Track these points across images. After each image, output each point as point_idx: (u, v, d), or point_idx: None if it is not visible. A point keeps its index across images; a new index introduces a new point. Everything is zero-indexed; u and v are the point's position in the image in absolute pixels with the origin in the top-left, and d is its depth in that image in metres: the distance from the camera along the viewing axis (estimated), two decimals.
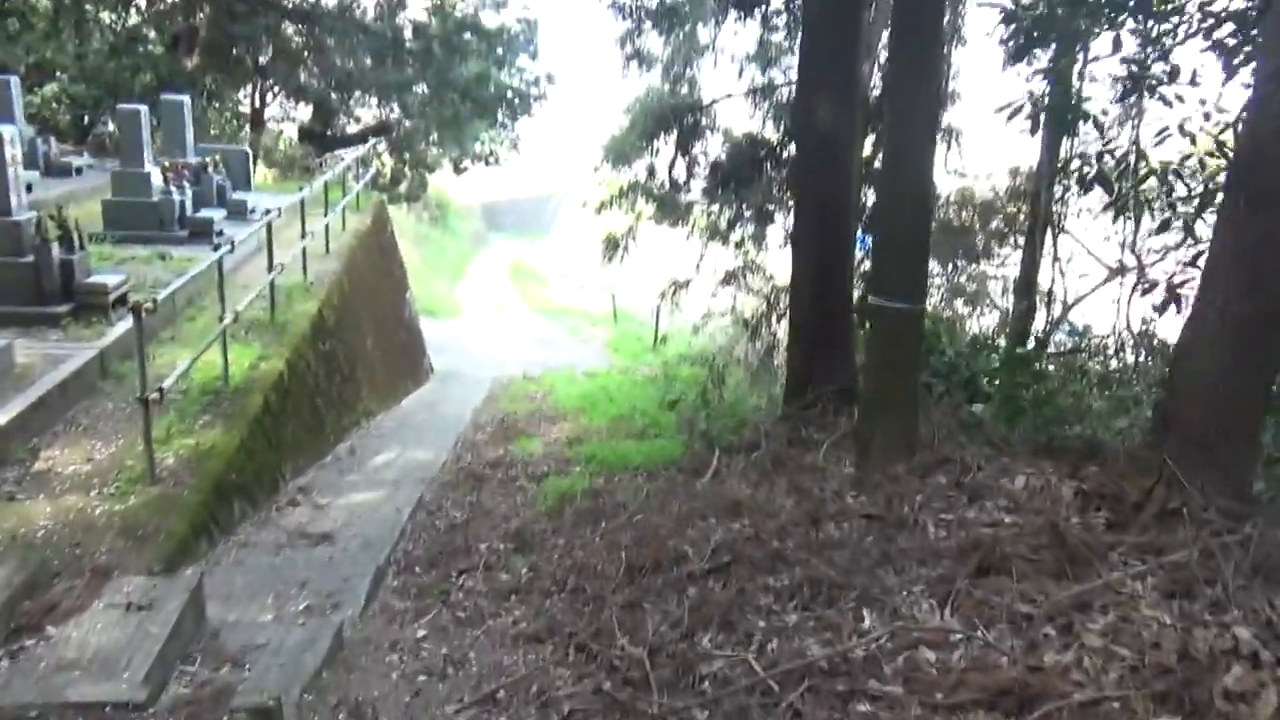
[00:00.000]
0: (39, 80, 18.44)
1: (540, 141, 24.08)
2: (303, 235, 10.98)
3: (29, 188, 12.50)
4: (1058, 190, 12.79)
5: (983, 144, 15.42)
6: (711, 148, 17.43)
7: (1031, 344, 10.91)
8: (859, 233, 10.09)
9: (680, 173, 17.33)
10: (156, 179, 11.79)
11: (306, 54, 21.18)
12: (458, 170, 22.15)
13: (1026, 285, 12.64)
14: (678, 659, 3.70)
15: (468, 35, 20.40)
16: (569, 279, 44.65)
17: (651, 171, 17.24)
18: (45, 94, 18.10)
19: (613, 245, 16.33)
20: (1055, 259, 12.64)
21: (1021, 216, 15.15)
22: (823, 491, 5.80)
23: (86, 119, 19.79)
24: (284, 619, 5.05)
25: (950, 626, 3.47)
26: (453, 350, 21.33)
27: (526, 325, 26.35)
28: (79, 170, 14.96)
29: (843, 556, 4.27)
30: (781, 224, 17.67)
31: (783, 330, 17.51)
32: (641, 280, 34.18)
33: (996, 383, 7.88)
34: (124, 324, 8.39)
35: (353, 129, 20.78)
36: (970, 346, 8.48)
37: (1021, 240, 13.45)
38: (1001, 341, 11.53)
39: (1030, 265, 12.43)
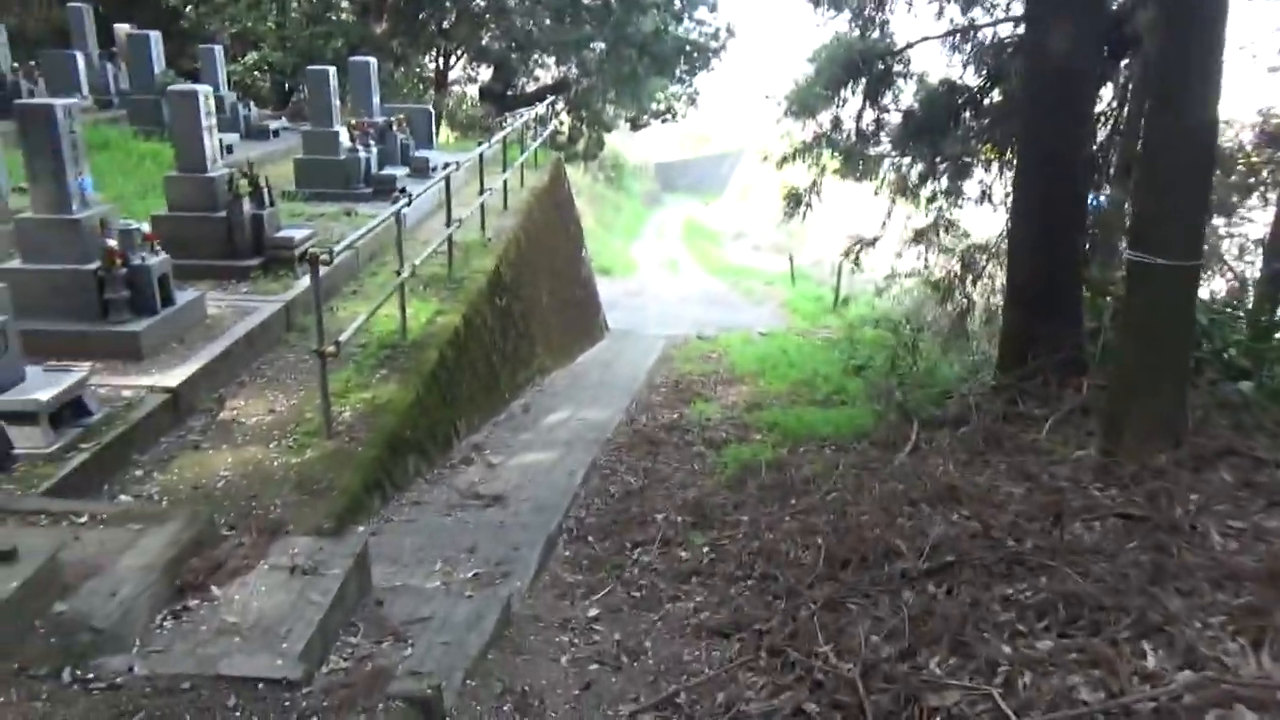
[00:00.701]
0: (241, 50, 19.26)
1: (717, 98, 23.27)
2: (481, 192, 10.75)
3: (229, 149, 12.98)
4: None
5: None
6: (903, 97, 16.12)
7: None
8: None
9: (869, 123, 16.13)
10: (344, 138, 11.88)
11: (488, 16, 21.19)
12: (635, 127, 21.68)
13: (1277, 247, 10.91)
14: (899, 684, 3.00)
15: None
16: (744, 239, 43.78)
17: (837, 123, 16.11)
18: (247, 62, 18.89)
19: (794, 201, 15.40)
20: None
21: (1267, 169, 13.18)
22: (1055, 479, 4.90)
23: (286, 86, 20.62)
24: (451, 588, 4.70)
25: (1275, 679, 2.61)
26: (627, 308, 21.09)
27: (701, 285, 25.78)
28: (276, 133, 15.47)
29: (1102, 567, 3.43)
30: (979, 178, 16.24)
31: (978, 293, 16.15)
32: (820, 241, 32.94)
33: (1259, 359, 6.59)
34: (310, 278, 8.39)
35: (531, 88, 20.66)
36: (1211, 314, 7.17)
37: (1273, 195, 11.64)
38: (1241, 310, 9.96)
39: None
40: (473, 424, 8.12)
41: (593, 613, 4.65)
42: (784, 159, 15.64)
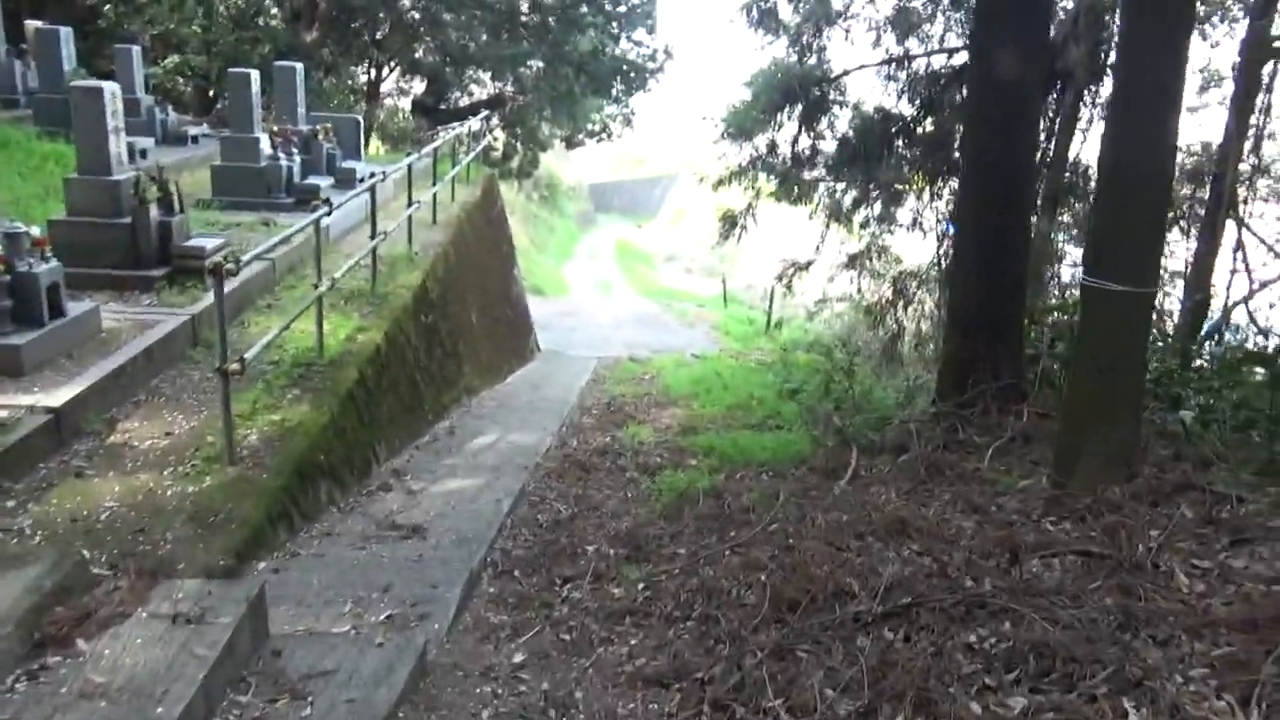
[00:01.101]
0: (163, 52, 18.41)
1: (653, 121, 23.11)
2: (409, 203, 10.29)
3: (143, 153, 12.24)
4: (1244, 170, 11.16)
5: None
6: (839, 124, 16.14)
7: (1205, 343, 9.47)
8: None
9: (804, 149, 16.11)
10: (265, 145, 11.29)
11: (423, 29, 20.70)
12: (570, 146, 21.37)
13: (1198, 277, 11.06)
14: None
15: (584, 8, 19.55)
16: (676, 262, 43.83)
17: (773, 147, 16.04)
18: (168, 65, 18.03)
19: (730, 223, 15.25)
20: (1237, 249, 11.03)
21: (1190, 202, 13.43)
22: (1005, 511, 4.67)
23: (211, 92, 19.78)
24: (361, 633, 4.23)
25: None
26: (558, 329, 20.67)
27: (633, 306, 25.51)
28: (195, 139, 14.72)
29: (1069, 612, 3.17)
30: (911, 205, 16.32)
31: (909, 318, 16.18)
32: (752, 264, 33.04)
33: (1188, 389, 6.52)
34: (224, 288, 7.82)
35: (465, 103, 20.21)
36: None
37: (1194, 228, 11.83)
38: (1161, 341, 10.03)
39: (1205, 254, 10.88)
40: (393, 447, 7.63)
41: (518, 658, 4.24)
42: (720, 181, 15.48)
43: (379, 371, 7.61)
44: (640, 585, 4.86)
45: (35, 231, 6.18)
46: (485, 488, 6.82)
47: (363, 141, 14.52)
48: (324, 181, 11.75)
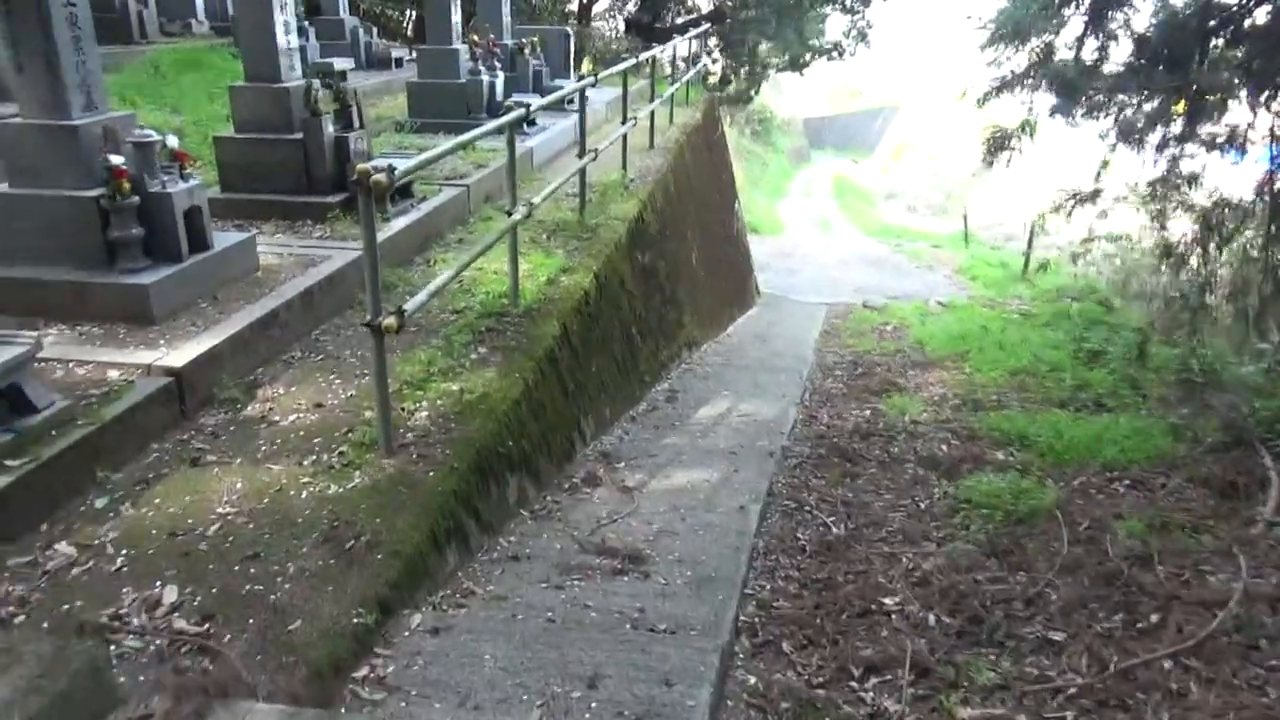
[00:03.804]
0: None
1: (873, 48, 20.19)
2: (624, 118, 8.54)
3: (343, 75, 11.26)
4: None
5: None
6: (1137, 19, 12.88)
7: None
8: None
9: (1090, 52, 12.99)
10: (465, 59, 9.88)
11: None
12: (797, 67, 18.96)
13: None
14: None
15: None
16: (897, 200, 40.32)
17: (1049, 51, 13.04)
18: None
19: (997, 145, 12.49)
20: None
21: None
22: None
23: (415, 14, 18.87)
24: None
25: None
26: (778, 270, 18.60)
27: (857, 246, 22.94)
28: (399, 62, 13.70)
29: None
30: (1227, 120, 12.87)
31: (1222, 260, 12.88)
32: (989, 200, 29.35)
33: None
34: (405, 218, 6.43)
35: (683, 20, 18.22)
36: None
37: None
38: None
39: None
40: (602, 420, 6.00)
41: None
42: (988, 93, 12.71)
43: (587, 324, 5.96)
44: (1005, 702, 2.90)
45: (173, 142, 4.87)
46: (722, 484, 5.03)
47: (572, 58, 12.92)
48: (532, 100, 10.21)
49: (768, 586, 3.87)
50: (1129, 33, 12.98)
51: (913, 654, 3.18)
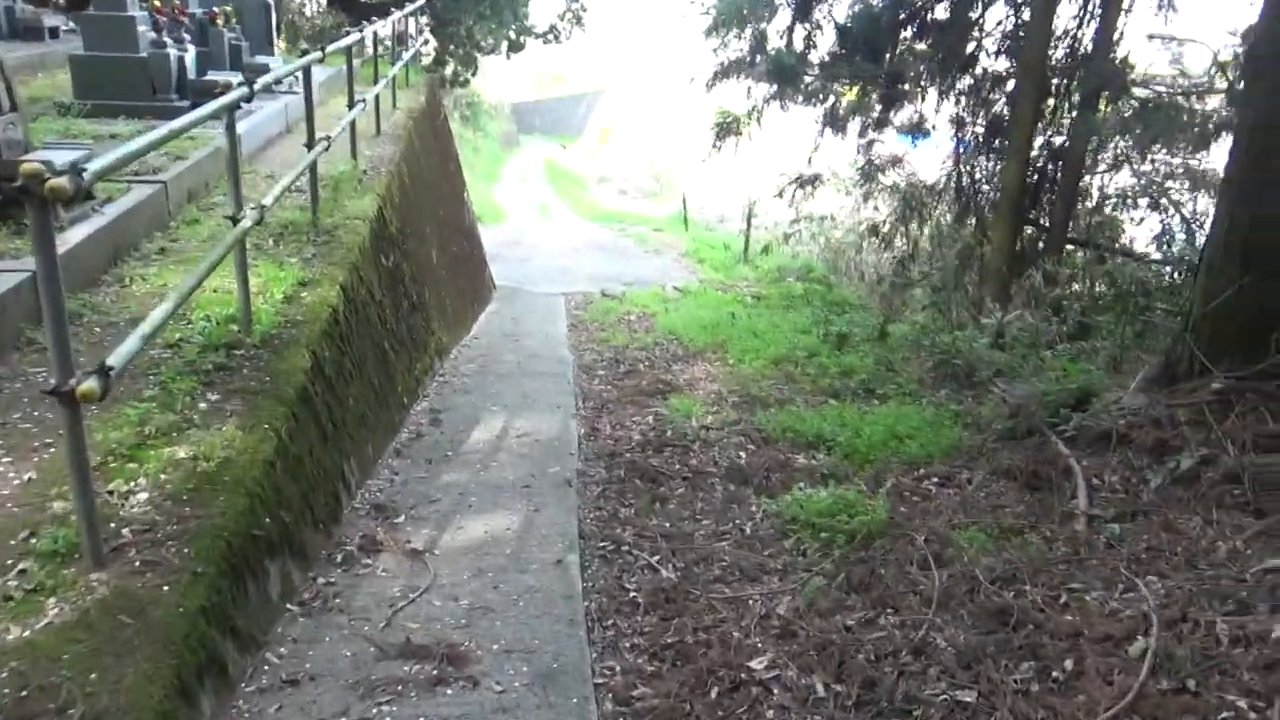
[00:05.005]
0: None
1: (583, 37, 19.96)
2: (350, 101, 7.42)
3: None
4: None
5: None
6: (838, 9, 13.50)
7: None
8: None
9: (798, 42, 13.47)
10: (145, 30, 8.19)
11: None
12: (514, 49, 18.20)
13: None
14: None
15: None
16: (609, 184, 40.88)
17: (762, 39, 13.34)
18: None
19: (726, 130, 12.63)
20: None
21: None
22: None
23: None
24: None
25: None
26: (509, 261, 17.83)
27: (584, 232, 22.72)
28: (53, 32, 11.29)
29: None
30: (918, 106, 13.84)
31: (926, 237, 13.91)
32: (699, 184, 30.41)
33: None
34: (86, 226, 5.00)
35: None
36: None
37: None
38: None
39: None
40: (366, 461, 5.02)
41: None
42: (715, 78, 12.73)
43: (339, 348, 4.95)
44: None
45: None
46: (526, 531, 4.31)
47: (274, 31, 11.33)
48: (230, 78, 8.69)
49: (617, 668, 3.22)
50: (832, 23, 13.64)
51: None
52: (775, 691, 2.98)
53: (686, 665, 3.20)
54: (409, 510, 4.48)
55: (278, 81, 8.17)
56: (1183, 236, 11.92)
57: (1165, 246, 12.12)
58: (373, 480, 4.88)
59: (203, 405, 3.76)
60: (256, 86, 4.43)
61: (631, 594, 3.81)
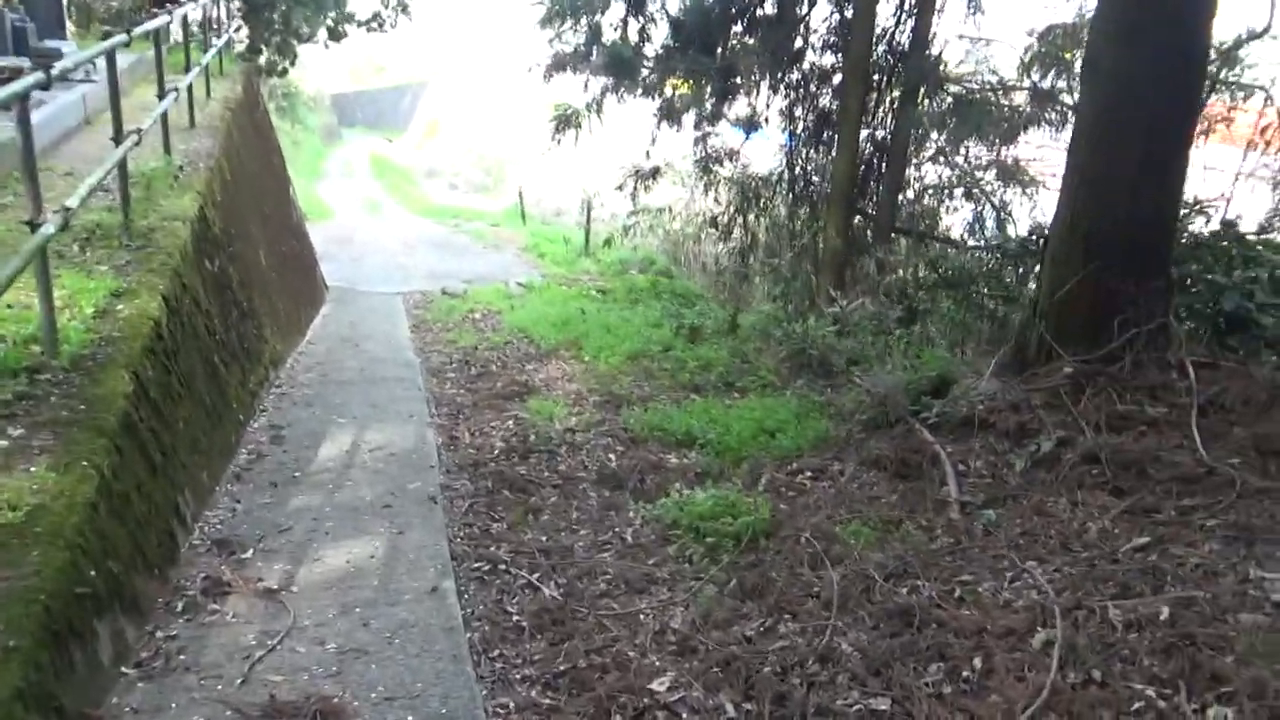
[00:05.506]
0: None
1: (407, 26, 19.16)
2: (161, 90, 6.69)
3: None
4: None
5: None
6: (673, 4, 13.55)
7: None
8: None
9: (632, 35, 13.41)
10: None
11: None
12: (334, 36, 17.21)
13: None
14: None
15: None
16: (438, 177, 39.74)
17: (596, 31, 13.20)
18: None
19: (565, 121, 12.40)
20: None
21: None
22: None
23: None
24: None
25: None
26: (340, 260, 16.91)
27: (417, 228, 21.93)
28: None
29: None
30: (749, 100, 14.11)
31: (764, 230, 14.18)
32: (530, 177, 29.99)
33: None
34: None
35: None
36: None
37: None
38: None
39: None
40: (201, 489, 4.50)
41: None
42: (550, 71, 12.44)
43: (164, 366, 4.39)
44: None
45: None
46: (392, 556, 3.97)
47: (65, 15, 10.16)
48: (20, 63, 7.67)
49: (511, 705, 2.97)
50: (666, 17, 13.66)
51: None
52: (683, 715, 2.82)
53: (584, 693, 2.99)
54: (257, 543, 4.03)
55: (76, 67, 7.31)
56: (993, 224, 12.71)
57: (978, 233, 12.88)
58: (211, 511, 4.37)
59: (3, 443, 3.20)
60: (54, 72, 3.83)
61: (515, 618, 3.55)
